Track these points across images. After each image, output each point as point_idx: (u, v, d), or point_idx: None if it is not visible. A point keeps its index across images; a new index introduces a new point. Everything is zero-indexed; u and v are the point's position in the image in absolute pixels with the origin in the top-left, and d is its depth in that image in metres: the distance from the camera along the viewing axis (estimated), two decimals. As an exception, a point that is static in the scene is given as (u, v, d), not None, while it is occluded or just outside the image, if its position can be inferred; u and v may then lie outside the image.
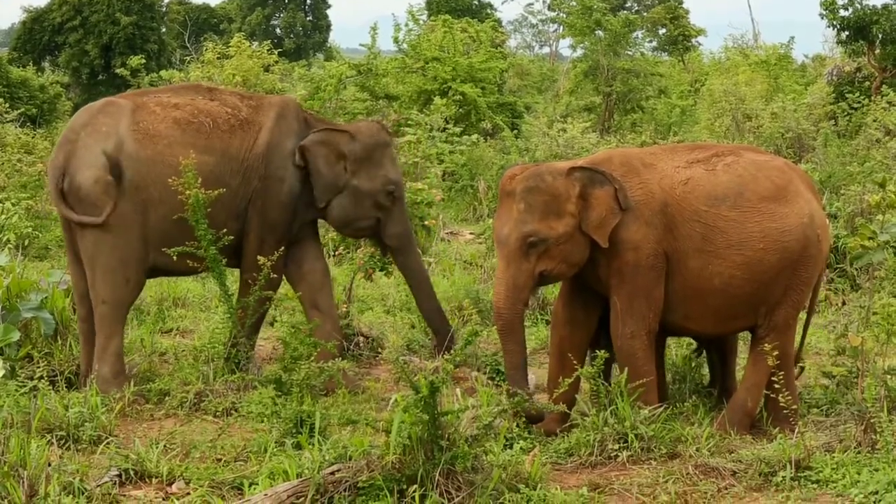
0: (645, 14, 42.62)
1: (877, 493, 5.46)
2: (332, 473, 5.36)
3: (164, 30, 42.42)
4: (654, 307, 6.63)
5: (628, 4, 50.96)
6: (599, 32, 24.50)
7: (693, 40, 40.91)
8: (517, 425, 6.45)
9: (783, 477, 5.74)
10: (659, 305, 6.64)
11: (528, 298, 6.85)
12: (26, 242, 12.12)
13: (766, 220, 6.58)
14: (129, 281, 7.27)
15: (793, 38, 28.13)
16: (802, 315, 7.01)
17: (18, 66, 30.61)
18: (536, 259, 6.58)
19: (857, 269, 10.42)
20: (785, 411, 6.33)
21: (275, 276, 7.36)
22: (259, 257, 7.24)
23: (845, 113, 20.85)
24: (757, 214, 6.59)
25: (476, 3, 41.20)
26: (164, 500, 5.55)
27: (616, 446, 6.18)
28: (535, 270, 6.60)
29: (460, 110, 19.81)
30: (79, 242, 7.22)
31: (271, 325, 9.12)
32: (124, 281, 7.24)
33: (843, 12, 21.91)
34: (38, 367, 6.76)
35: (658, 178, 6.66)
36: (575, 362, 6.59)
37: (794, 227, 6.62)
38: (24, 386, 6.52)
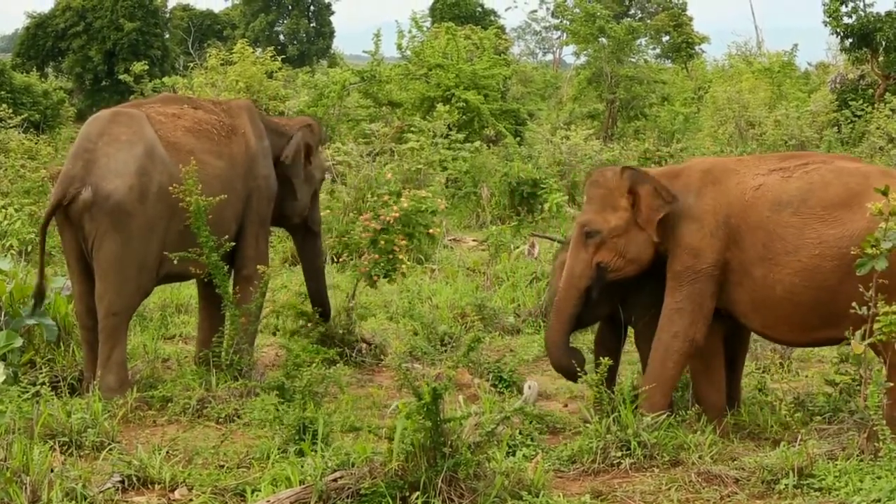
0: (648, 21, 42.62)
1: (879, 500, 5.45)
2: (335, 480, 5.36)
3: (167, 36, 42.51)
4: (702, 316, 6.69)
5: (632, 12, 50.98)
6: (603, 39, 24.53)
7: (696, 47, 40.94)
8: (519, 432, 6.45)
9: (786, 485, 5.73)
10: (707, 317, 6.70)
11: (586, 288, 6.93)
12: (29, 248, 12.12)
13: (825, 227, 6.45)
14: (140, 288, 7.31)
15: (796, 45, 28.21)
16: None
17: (22, 72, 30.71)
18: (594, 250, 6.86)
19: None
20: None
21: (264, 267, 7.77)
22: (259, 266, 7.63)
23: (848, 120, 20.89)
24: (817, 221, 6.49)
25: (479, 9, 41.23)
26: (166, 506, 5.56)
27: (619, 453, 6.18)
28: (592, 261, 6.87)
29: (463, 117, 19.84)
30: (95, 252, 7.10)
31: (273, 335, 9.12)
32: (136, 289, 7.26)
33: (846, 20, 21.95)
34: (41, 373, 6.75)
35: (734, 184, 6.74)
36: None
37: (857, 235, 6.31)
38: (27, 391, 6.52)
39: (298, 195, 8.20)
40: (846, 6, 21.93)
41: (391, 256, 8.46)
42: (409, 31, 22.29)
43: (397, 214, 8.56)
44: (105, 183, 7.05)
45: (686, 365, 6.85)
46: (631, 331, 7.28)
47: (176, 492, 5.66)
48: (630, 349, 7.54)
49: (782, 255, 6.54)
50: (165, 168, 7.20)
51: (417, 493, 5.26)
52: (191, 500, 5.57)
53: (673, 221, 6.79)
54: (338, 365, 7.97)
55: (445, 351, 8.58)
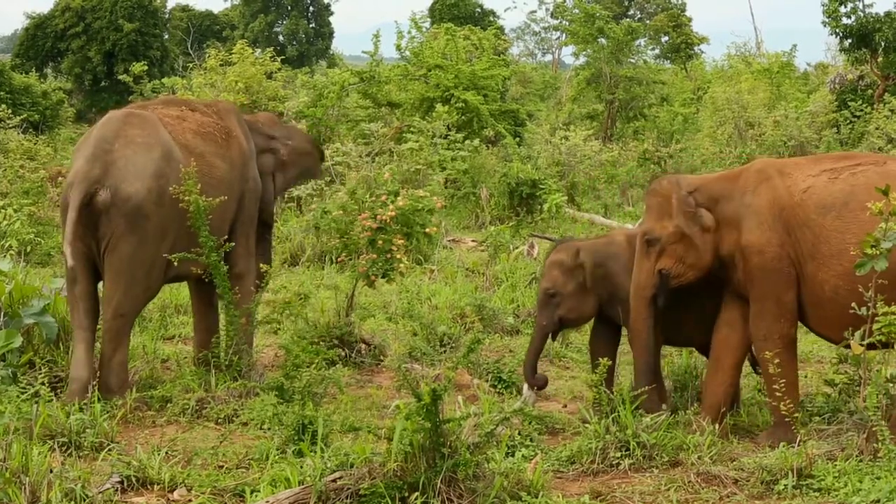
0: (648, 22, 42.67)
1: (878, 501, 5.45)
2: (334, 481, 5.36)
3: (166, 36, 42.50)
4: (784, 311, 6.70)
5: (631, 12, 51.02)
6: (602, 40, 24.51)
7: (696, 48, 40.97)
8: (519, 432, 6.45)
9: (785, 485, 5.73)
10: (790, 310, 6.71)
11: (652, 296, 6.98)
12: (28, 249, 12.13)
13: (864, 231, 6.38)
14: (148, 290, 7.34)
15: (795, 46, 28.19)
16: None
17: (21, 73, 30.67)
18: (655, 257, 6.95)
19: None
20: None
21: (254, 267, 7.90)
22: (261, 265, 7.77)
23: (848, 121, 20.88)
24: (856, 225, 6.50)
25: (479, 10, 41.20)
26: (165, 506, 5.56)
27: (618, 454, 6.18)
28: (655, 268, 6.95)
29: (462, 118, 19.81)
30: (108, 254, 7.07)
31: (275, 333, 9.12)
32: (145, 290, 7.28)
33: (845, 20, 21.95)
34: (40, 374, 6.76)
35: (787, 184, 6.76)
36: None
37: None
38: (26, 392, 6.52)
39: (278, 194, 8.47)
40: (845, 7, 21.93)
41: (389, 256, 8.46)
42: (409, 32, 22.25)
43: (393, 213, 8.56)
44: (125, 185, 7.03)
45: (790, 359, 6.80)
46: (627, 331, 7.29)
47: (175, 492, 5.66)
48: (629, 349, 7.53)
49: (827, 258, 6.59)
50: (181, 170, 7.20)
51: (416, 493, 5.25)
52: (190, 500, 5.57)
53: (733, 223, 6.85)
54: (337, 365, 7.97)
55: (445, 352, 8.57)
